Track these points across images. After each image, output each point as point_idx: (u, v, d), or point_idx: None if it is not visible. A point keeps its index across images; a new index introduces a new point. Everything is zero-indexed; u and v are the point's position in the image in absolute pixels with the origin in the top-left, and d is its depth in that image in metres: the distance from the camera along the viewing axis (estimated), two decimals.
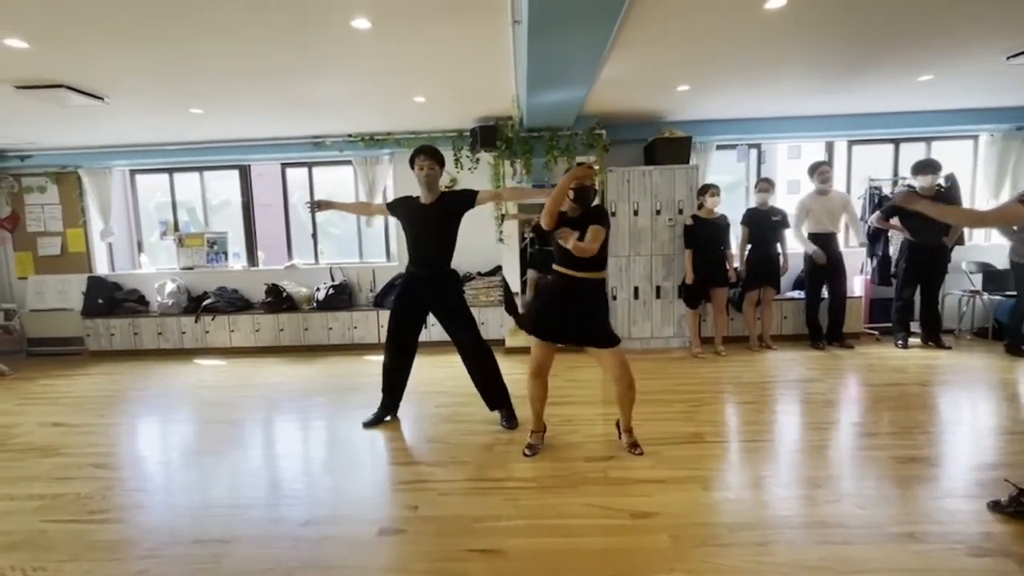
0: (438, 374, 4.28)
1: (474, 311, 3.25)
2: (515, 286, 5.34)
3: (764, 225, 4.76)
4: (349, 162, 5.72)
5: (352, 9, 2.64)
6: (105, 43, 2.96)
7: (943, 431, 2.94)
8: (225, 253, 6.08)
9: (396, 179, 5.68)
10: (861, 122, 5.28)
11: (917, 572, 1.73)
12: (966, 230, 5.23)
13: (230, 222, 6.24)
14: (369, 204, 3.58)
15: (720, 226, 4.67)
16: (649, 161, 5.12)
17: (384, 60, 3.37)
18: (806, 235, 4.77)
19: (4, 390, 4.47)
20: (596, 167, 3.19)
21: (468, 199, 3.04)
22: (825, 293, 4.88)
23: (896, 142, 5.56)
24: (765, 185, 4.80)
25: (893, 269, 4.92)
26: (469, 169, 5.33)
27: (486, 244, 5.38)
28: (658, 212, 4.93)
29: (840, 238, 4.92)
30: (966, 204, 5.13)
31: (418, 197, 3.11)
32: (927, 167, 4.54)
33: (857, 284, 5.27)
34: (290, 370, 4.78)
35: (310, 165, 5.92)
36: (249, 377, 4.60)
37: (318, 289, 5.65)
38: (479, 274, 5.49)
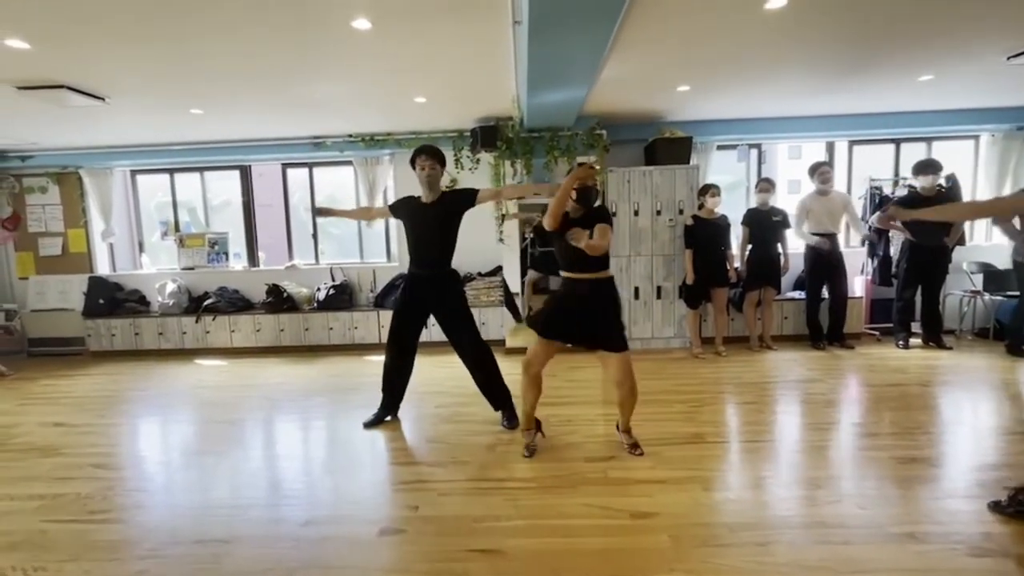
0: (438, 374, 4.28)
1: (474, 311, 3.25)
2: (515, 286, 5.34)
3: (765, 225, 4.76)
4: (350, 162, 5.72)
5: (352, 9, 2.64)
6: (106, 43, 2.97)
7: (944, 431, 2.94)
8: (226, 253, 6.08)
9: (397, 179, 5.68)
10: (862, 122, 5.28)
11: (918, 572, 1.73)
12: (967, 230, 5.23)
13: (231, 222, 6.25)
14: (370, 208, 3.59)
15: (720, 226, 4.67)
16: (650, 161, 5.12)
17: (384, 60, 3.37)
18: (812, 237, 4.77)
19: (5, 390, 4.47)
20: (597, 167, 3.19)
21: (469, 198, 3.04)
22: (826, 293, 4.88)
23: (897, 142, 5.55)
24: (766, 185, 4.79)
25: (894, 269, 4.91)
26: (469, 169, 5.34)
27: (486, 244, 5.38)
28: (659, 212, 4.93)
29: (841, 238, 4.92)
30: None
31: (419, 197, 3.12)
32: (928, 167, 4.54)
33: (858, 284, 5.27)
34: (291, 370, 4.78)
35: (311, 165, 5.92)
36: (250, 377, 4.60)
37: (319, 289, 5.65)
38: (479, 274, 5.49)
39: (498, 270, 5.45)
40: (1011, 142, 5.29)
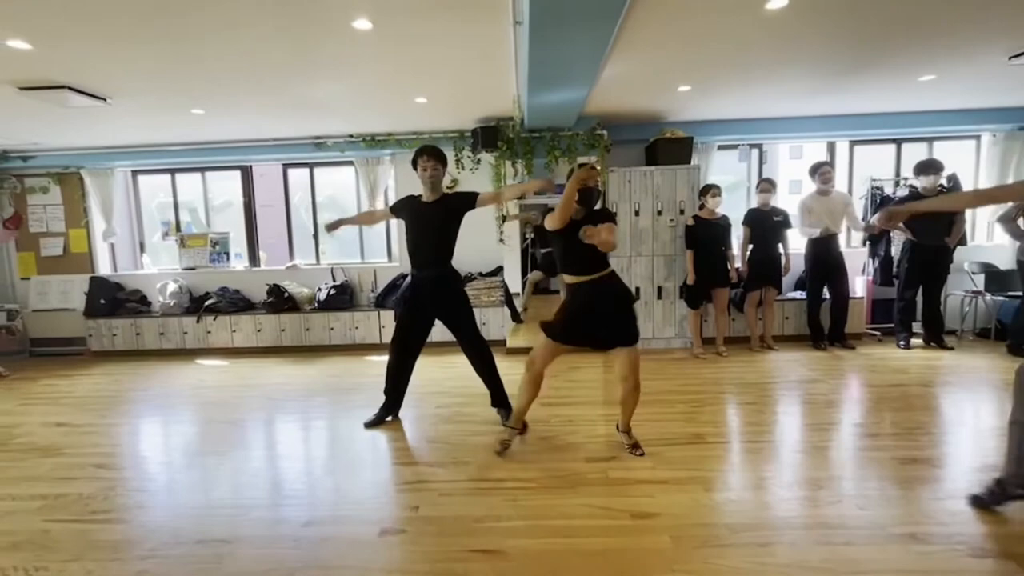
0: (439, 375, 4.28)
1: (475, 311, 3.25)
2: (514, 287, 5.35)
3: (766, 225, 4.76)
4: (351, 162, 5.73)
5: (353, 10, 2.64)
6: (107, 44, 2.97)
7: (945, 432, 2.94)
8: (227, 253, 6.09)
9: (397, 179, 5.69)
10: (863, 122, 5.27)
11: (919, 573, 1.73)
12: (968, 230, 5.23)
13: (232, 222, 6.26)
14: (373, 212, 3.60)
15: (721, 227, 4.66)
16: (650, 161, 5.12)
17: (385, 61, 3.37)
18: (807, 229, 4.76)
19: (6, 390, 4.48)
20: (598, 167, 3.19)
21: (469, 201, 3.04)
22: (827, 294, 4.88)
23: (898, 142, 5.55)
24: (767, 185, 4.79)
25: (895, 269, 4.91)
26: (470, 170, 5.34)
27: (487, 244, 5.39)
28: (659, 213, 4.93)
29: (842, 238, 4.92)
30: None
31: (420, 196, 3.12)
32: (929, 167, 4.54)
33: (859, 284, 5.26)
34: (291, 370, 4.79)
35: (311, 166, 5.93)
36: (251, 377, 4.61)
37: (319, 289, 5.66)
38: (480, 274, 5.49)
39: (499, 270, 5.45)
40: (1012, 142, 5.29)
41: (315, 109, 4.47)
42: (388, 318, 5.37)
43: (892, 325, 4.98)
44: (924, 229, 4.55)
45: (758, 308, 4.91)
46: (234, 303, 5.69)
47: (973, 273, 5.20)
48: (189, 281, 5.90)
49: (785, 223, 4.79)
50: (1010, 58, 3.61)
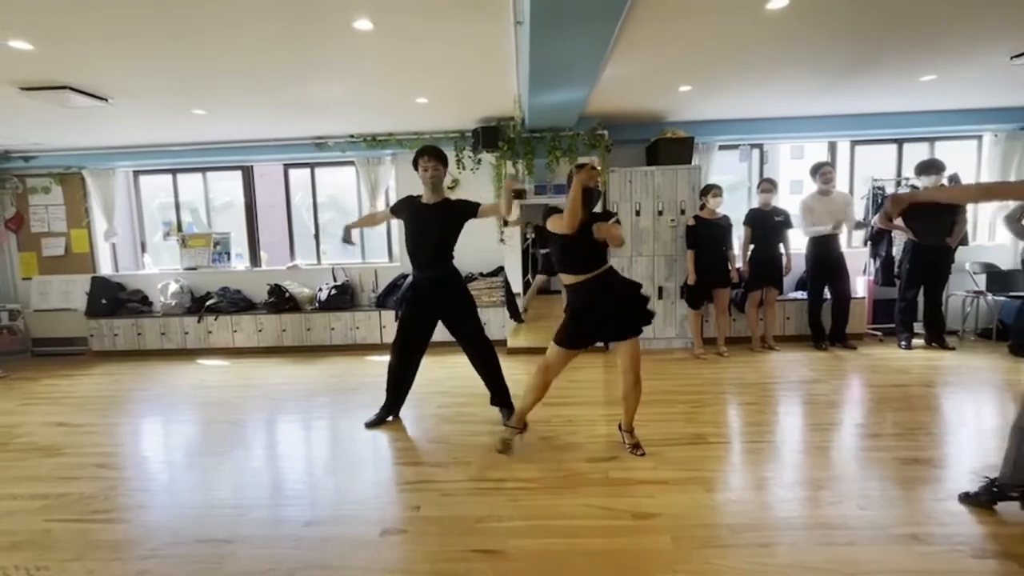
0: (440, 375, 4.28)
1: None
2: (516, 287, 5.35)
3: (767, 225, 4.76)
4: (352, 163, 5.73)
5: (354, 10, 2.64)
6: (109, 44, 2.98)
7: (947, 432, 2.93)
8: (228, 253, 6.10)
9: (398, 180, 5.69)
10: (864, 122, 5.26)
11: (920, 574, 1.72)
12: (970, 230, 5.22)
13: (233, 223, 6.27)
14: (375, 215, 3.61)
15: (722, 227, 4.66)
16: (651, 162, 5.12)
17: (386, 61, 3.38)
18: (813, 228, 4.76)
19: (8, 390, 4.49)
20: (598, 167, 3.19)
21: (471, 211, 3.04)
22: (828, 294, 4.87)
23: (899, 142, 5.54)
24: (768, 185, 4.79)
25: (896, 270, 4.90)
26: (471, 170, 5.34)
27: (488, 245, 5.39)
28: (660, 213, 4.93)
29: (843, 239, 4.92)
30: (970, 206, 5.10)
31: (420, 197, 3.12)
32: (930, 167, 4.53)
33: (860, 285, 5.25)
34: (292, 370, 4.79)
35: (312, 166, 5.93)
36: (252, 377, 4.61)
37: (320, 289, 5.66)
38: (481, 275, 5.49)
39: (500, 270, 5.45)
40: (1014, 142, 5.28)
41: (316, 109, 4.47)
42: (389, 318, 5.38)
43: (893, 325, 4.97)
44: (925, 229, 4.55)
45: (759, 308, 4.90)
46: (235, 303, 5.69)
47: (975, 273, 5.20)
48: (190, 281, 5.90)
49: (786, 223, 4.79)
50: (1012, 58, 3.61)
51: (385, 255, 6.07)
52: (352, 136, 5.48)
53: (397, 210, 3.20)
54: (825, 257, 4.76)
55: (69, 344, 5.81)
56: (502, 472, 2.55)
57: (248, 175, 6.08)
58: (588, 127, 5.01)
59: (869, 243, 5.17)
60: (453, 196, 3.14)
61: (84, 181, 5.87)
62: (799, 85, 4.21)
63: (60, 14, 2.58)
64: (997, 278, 5.14)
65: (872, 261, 5.16)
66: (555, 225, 2.51)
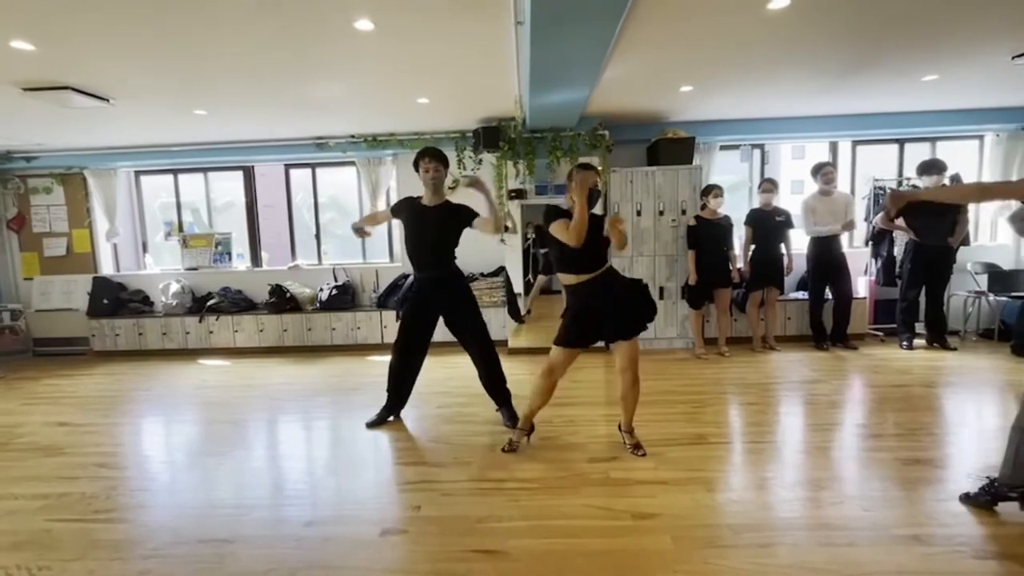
0: (440, 375, 4.28)
1: None
2: (517, 287, 5.35)
3: (768, 226, 4.75)
4: (352, 163, 5.73)
5: (355, 11, 2.64)
6: (110, 45, 2.98)
7: (948, 433, 2.93)
8: (229, 254, 6.11)
9: (399, 180, 5.70)
10: (865, 122, 5.26)
11: (921, 575, 1.72)
12: (972, 230, 5.21)
13: (234, 223, 6.28)
14: (376, 215, 3.61)
15: (723, 227, 4.66)
16: (652, 162, 5.12)
17: (387, 61, 3.38)
18: (817, 228, 4.75)
19: (9, 390, 4.50)
20: (598, 167, 3.19)
21: (469, 219, 3.01)
22: (829, 294, 4.86)
23: (901, 142, 5.54)
24: (769, 186, 4.79)
25: (898, 270, 4.90)
26: (472, 170, 5.34)
27: (489, 245, 5.37)
28: (661, 213, 4.92)
29: (844, 239, 4.91)
30: (972, 206, 5.10)
31: (420, 198, 3.12)
32: (932, 167, 4.52)
33: (861, 285, 5.25)
34: (293, 370, 4.79)
35: (313, 166, 5.94)
36: (253, 377, 4.61)
37: (321, 289, 5.67)
38: (482, 275, 5.49)
39: (501, 270, 5.45)
40: (1016, 142, 5.27)
41: (317, 109, 4.47)
42: (390, 318, 5.38)
43: (895, 326, 4.97)
44: (927, 229, 4.54)
45: (760, 308, 4.90)
46: (236, 303, 5.70)
47: (976, 273, 5.19)
48: (191, 281, 5.91)
49: (787, 223, 4.79)
50: (1013, 58, 3.60)
51: (386, 255, 6.07)
52: (353, 136, 5.49)
53: (397, 211, 3.20)
54: (826, 257, 4.75)
55: (70, 344, 5.82)
56: (502, 472, 2.55)
57: (249, 175, 6.09)
58: (589, 127, 5.01)
59: (870, 243, 5.17)
60: (453, 198, 3.14)
61: (86, 181, 5.88)
62: (800, 85, 4.20)
63: (61, 15, 2.59)
64: (999, 278, 5.13)
65: (873, 261, 5.15)
66: (559, 233, 2.49)
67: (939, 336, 4.73)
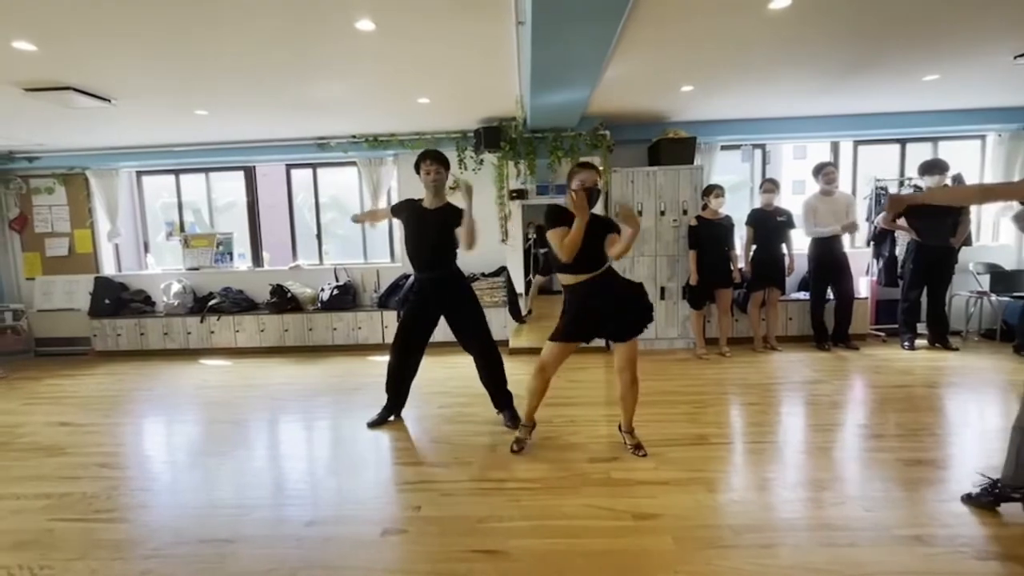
0: (441, 375, 4.28)
1: None
2: (518, 287, 5.35)
3: (769, 226, 4.75)
4: (354, 163, 5.74)
5: (356, 11, 2.65)
6: (112, 45, 2.99)
7: (950, 433, 2.92)
8: (230, 254, 6.11)
9: (400, 180, 5.70)
10: (867, 122, 5.25)
11: (923, 575, 1.72)
12: (974, 230, 5.20)
13: (235, 223, 6.28)
14: (376, 211, 3.61)
15: (724, 227, 4.65)
16: (653, 162, 5.11)
17: (387, 61, 3.38)
18: (818, 228, 4.74)
19: (11, 390, 4.51)
20: (599, 167, 3.19)
21: (457, 222, 2.99)
22: (831, 294, 4.86)
23: (902, 142, 5.53)
24: (770, 186, 4.78)
25: (899, 270, 4.89)
26: (473, 170, 5.33)
27: (490, 245, 5.38)
28: (662, 213, 4.92)
29: (845, 239, 4.90)
30: (973, 206, 5.08)
31: (420, 200, 3.12)
32: (934, 167, 4.51)
33: (863, 285, 5.24)
34: (294, 370, 4.80)
35: (314, 166, 5.94)
36: (254, 377, 4.62)
37: (322, 290, 5.67)
38: (483, 275, 5.49)
39: (502, 270, 5.45)
40: (1018, 142, 5.26)
41: (317, 109, 4.48)
42: (391, 318, 5.38)
43: (896, 326, 4.96)
44: (929, 229, 4.54)
45: (761, 309, 4.89)
46: (237, 303, 5.70)
47: (978, 274, 5.18)
48: (193, 281, 5.91)
49: (788, 223, 4.78)
50: (1015, 57, 3.59)
51: (387, 255, 6.08)
52: (354, 136, 5.49)
53: (397, 211, 3.20)
54: (828, 257, 4.75)
55: (72, 344, 5.83)
56: (503, 472, 2.55)
57: (250, 175, 6.10)
58: (590, 127, 5.01)
59: (872, 243, 5.16)
60: (453, 199, 3.13)
61: (87, 181, 5.89)
62: (801, 85, 4.20)
63: (63, 15, 2.59)
64: (1001, 278, 5.12)
65: (875, 261, 5.14)
66: (554, 242, 2.49)
67: (941, 336, 4.73)
